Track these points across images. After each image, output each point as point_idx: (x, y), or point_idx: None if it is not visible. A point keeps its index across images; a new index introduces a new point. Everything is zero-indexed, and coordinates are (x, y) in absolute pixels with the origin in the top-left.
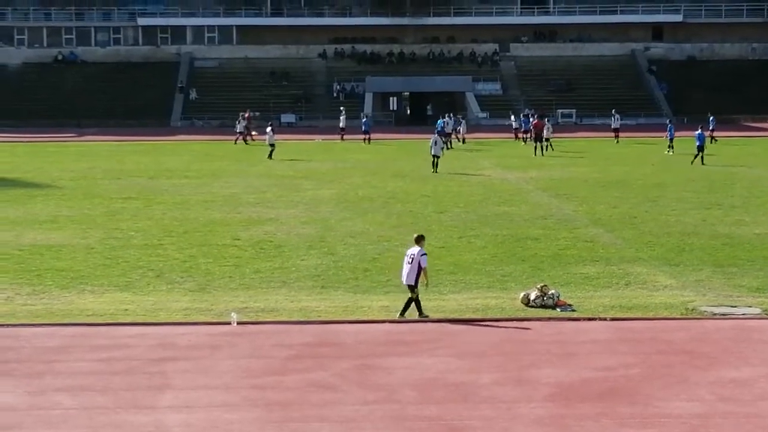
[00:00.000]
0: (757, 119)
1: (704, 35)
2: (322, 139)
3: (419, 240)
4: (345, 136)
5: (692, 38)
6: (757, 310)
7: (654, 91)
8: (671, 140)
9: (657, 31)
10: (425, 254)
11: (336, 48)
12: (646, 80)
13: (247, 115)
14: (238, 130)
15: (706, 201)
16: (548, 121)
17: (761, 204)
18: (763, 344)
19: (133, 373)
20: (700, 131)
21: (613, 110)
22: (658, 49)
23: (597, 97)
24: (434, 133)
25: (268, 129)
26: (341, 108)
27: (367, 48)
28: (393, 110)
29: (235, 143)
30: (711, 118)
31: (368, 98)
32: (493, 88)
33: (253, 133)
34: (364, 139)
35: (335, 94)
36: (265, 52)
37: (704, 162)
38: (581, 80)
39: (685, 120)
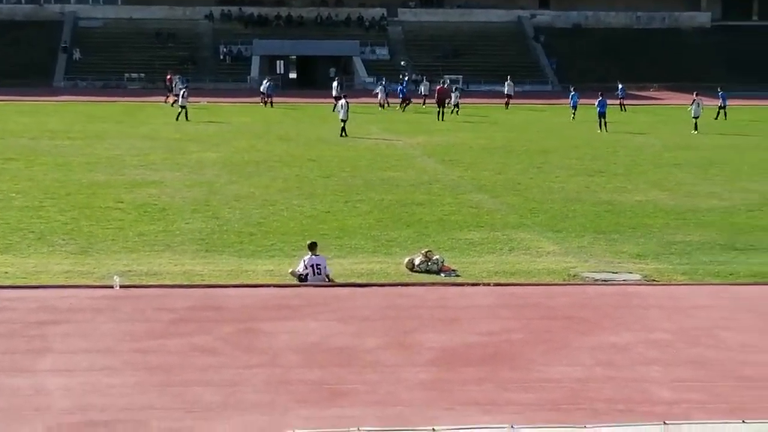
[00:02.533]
0: (641, 88)
1: (590, 3)
2: (207, 102)
3: (314, 247)
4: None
5: (578, 6)
6: (638, 276)
7: (540, 58)
8: (575, 107)
9: None
10: (325, 260)
11: (223, 10)
12: (532, 47)
13: (168, 77)
14: (174, 93)
15: (590, 168)
16: (456, 89)
17: (642, 172)
18: (643, 310)
19: (12, 336)
20: (601, 98)
21: (508, 77)
22: (545, 16)
23: (484, 64)
24: (342, 98)
25: (183, 91)
26: (336, 77)
27: (255, 10)
28: (280, 74)
29: (172, 105)
30: (621, 86)
31: (255, 61)
32: (381, 52)
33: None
34: (267, 102)
35: (222, 57)
36: (150, 12)
37: (607, 129)
38: (468, 46)
39: (571, 87)
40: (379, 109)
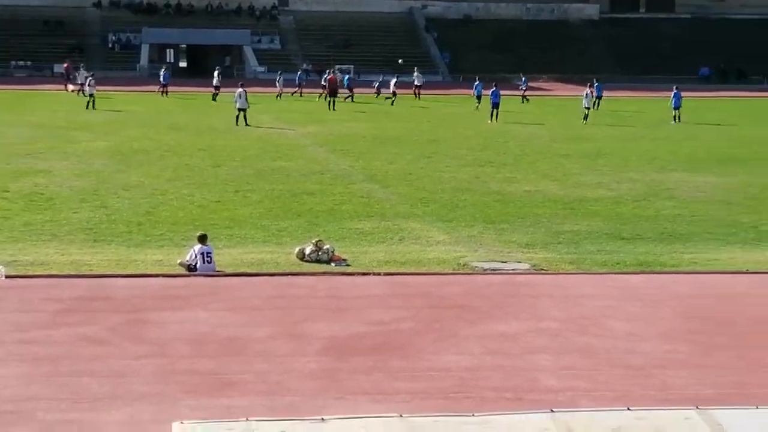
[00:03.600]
0: (530, 79)
1: None
2: (97, 91)
3: (204, 239)
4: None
5: None
6: (526, 266)
7: (431, 49)
8: (479, 97)
9: None
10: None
11: None
12: (423, 38)
13: (66, 65)
14: (79, 81)
15: (480, 158)
16: (398, 77)
17: (531, 162)
18: (531, 299)
19: None
20: (495, 88)
21: (416, 68)
22: (436, 7)
23: (375, 54)
24: (239, 87)
25: (89, 79)
26: (217, 66)
27: None
28: (170, 62)
29: (78, 94)
30: (524, 78)
31: (144, 50)
32: (272, 42)
33: (70, 86)
34: (162, 92)
35: (111, 45)
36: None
37: (497, 120)
38: (360, 37)
39: (461, 78)
40: (277, 99)
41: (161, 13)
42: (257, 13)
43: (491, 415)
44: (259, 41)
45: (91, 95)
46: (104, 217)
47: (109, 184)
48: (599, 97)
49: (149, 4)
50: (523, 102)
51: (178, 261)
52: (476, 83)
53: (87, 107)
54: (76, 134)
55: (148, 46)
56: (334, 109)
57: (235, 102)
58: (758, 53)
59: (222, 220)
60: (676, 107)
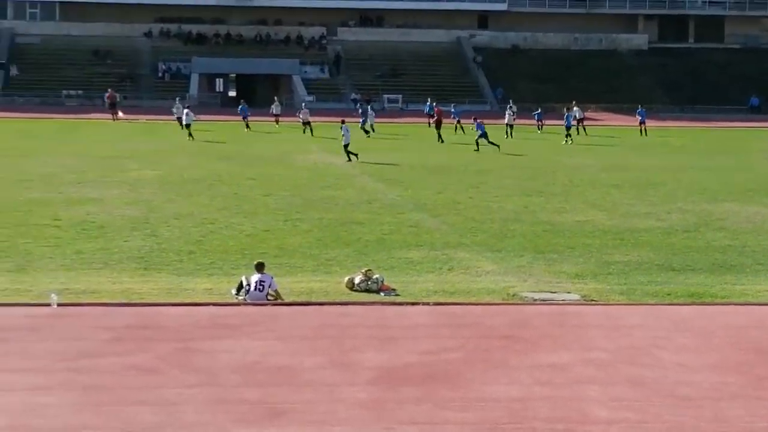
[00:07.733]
0: (584, 108)
1: (528, 24)
2: (147, 120)
3: (261, 267)
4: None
5: (516, 27)
6: (576, 296)
7: (479, 78)
8: (568, 128)
9: (482, 20)
10: (271, 278)
11: (162, 27)
12: (471, 67)
13: (108, 94)
14: (176, 115)
15: (528, 188)
16: (510, 107)
17: (580, 192)
18: (580, 329)
19: None
20: (478, 122)
21: (511, 101)
22: (483, 37)
23: (423, 84)
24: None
25: (186, 109)
26: (275, 97)
27: (194, 28)
28: (219, 92)
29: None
30: (576, 109)
31: (194, 79)
32: (320, 71)
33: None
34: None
35: (160, 74)
36: (88, 29)
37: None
38: (407, 66)
39: (569, 108)
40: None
41: (211, 43)
42: (306, 42)
43: None
44: (308, 70)
45: (188, 125)
46: (155, 245)
47: (159, 213)
48: (642, 122)
49: (199, 34)
50: (579, 133)
51: (232, 290)
52: (567, 114)
53: (189, 137)
54: (125, 163)
55: (197, 75)
56: (441, 141)
57: (343, 135)
58: None
59: (271, 249)
60: None
